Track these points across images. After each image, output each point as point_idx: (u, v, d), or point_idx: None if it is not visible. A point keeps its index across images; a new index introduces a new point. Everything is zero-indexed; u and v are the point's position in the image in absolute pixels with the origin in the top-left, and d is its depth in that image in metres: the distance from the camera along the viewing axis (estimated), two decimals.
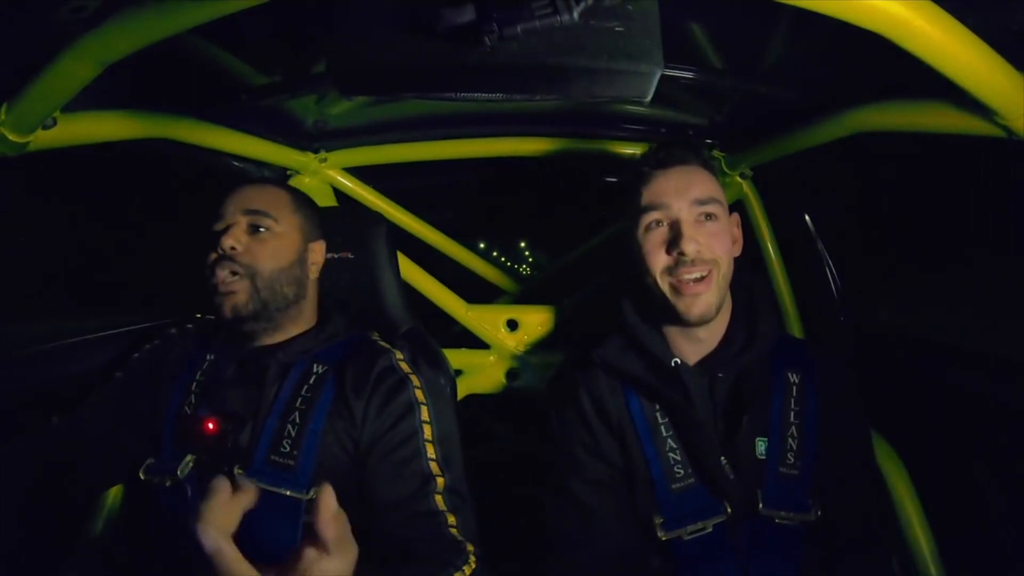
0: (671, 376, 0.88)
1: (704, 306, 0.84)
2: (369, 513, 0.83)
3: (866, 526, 0.87)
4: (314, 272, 0.99)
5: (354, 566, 0.52)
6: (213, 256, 0.88)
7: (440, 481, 0.85)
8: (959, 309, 1.06)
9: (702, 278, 0.84)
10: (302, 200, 1.00)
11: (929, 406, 1.04)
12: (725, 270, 0.86)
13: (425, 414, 0.90)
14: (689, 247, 0.83)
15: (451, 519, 0.83)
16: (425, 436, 0.88)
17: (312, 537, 0.50)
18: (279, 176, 1.36)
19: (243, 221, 0.90)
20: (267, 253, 0.90)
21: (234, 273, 0.87)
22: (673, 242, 0.84)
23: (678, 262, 0.84)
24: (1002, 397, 0.91)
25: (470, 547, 0.82)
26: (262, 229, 0.91)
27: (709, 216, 0.86)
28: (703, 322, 0.86)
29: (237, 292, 0.87)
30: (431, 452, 0.87)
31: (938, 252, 1.12)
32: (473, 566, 0.80)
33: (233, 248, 0.87)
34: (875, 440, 1.00)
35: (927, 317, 1.13)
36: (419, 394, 0.91)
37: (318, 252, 1.00)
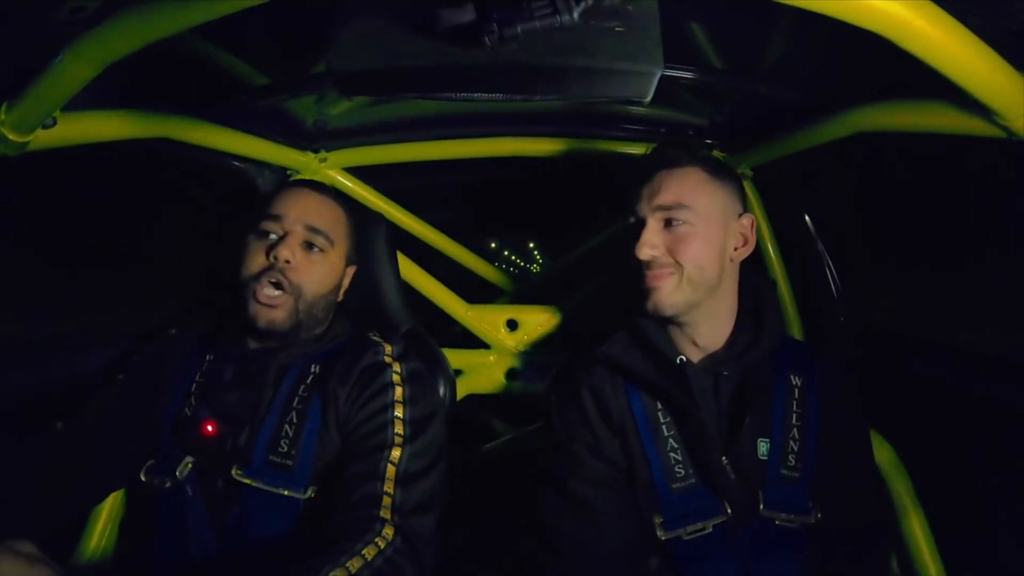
0: (676, 374, 0.88)
1: (654, 302, 0.86)
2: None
3: (866, 527, 0.87)
4: (341, 296, 1.00)
5: None
6: (261, 262, 0.86)
7: (396, 451, 0.82)
8: (959, 309, 1.06)
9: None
10: (352, 224, 0.99)
11: (929, 406, 1.04)
12: (692, 275, 0.86)
13: (399, 394, 0.88)
14: (642, 251, 0.86)
15: (389, 487, 0.79)
16: (396, 413, 0.86)
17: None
18: (280, 176, 1.36)
19: (302, 235, 0.88)
20: (316, 276, 0.89)
21: (278, 286, 0.85)
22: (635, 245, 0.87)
23: (641, 263, 0.87)
24: (1002, 397, 0.91)
25: (389, 528, 0.75)
26: (316, 248, 0.89)
27: (675, 221, 0.86)
28: (656, 315, 0.88)
29: (278, 308, 0.86)
30: (398, 428, 0.85)
31: (938, 252, 1.12)
32: (383, 544, 0.73)
33: (287, 261, 0.85)
34: (875, 440, 1.00)
35: (927, 317, 1.13)
36: (396, 377, 0.90)
37: (349, 277, 1.00)
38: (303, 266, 0.88)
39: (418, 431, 0.86)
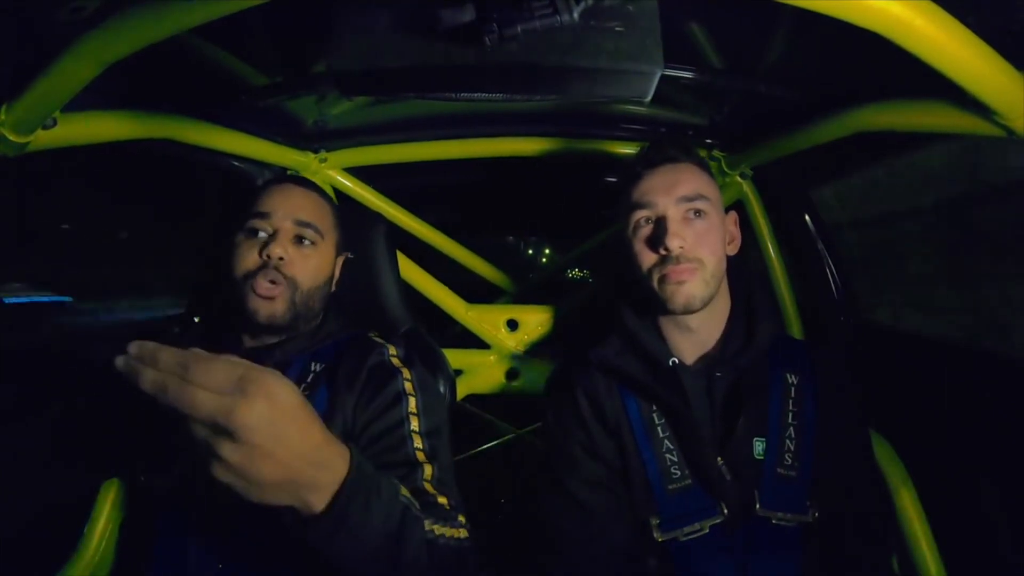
0: (668, 377, 0.88)
1: (687, 297, 0.85)
2: None
3: (866, 526, 0.87)
4: (334, 286, 1.00)
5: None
6: (254, 261, 0.87)
7: (428, 469, 0.83)
8: (960, 309, 1.06)
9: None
10: (338, 214, 1.00)
11: (929, 406, 1.04)
12: (713, 269, 0.87)
13: (413, 405, 0.88)
14: (673, 243, 0.84)
15: (441, 500, 0.80)
16: (412, 427, 0.86)
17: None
18: (280, 177, 1.36)
19: (291, 230, 0.89)
20: (310, 268, 0.90)
21: (274, 282, 0.86)
22: (659, 239, 0.85)
23: (664, 259, 0.85)
24: (1002, 397, 0.91)
25: (462, 518, 0.79)
26: (307, 241, 0.91)
27: (698, 212, 0.87)
28: (688, 311, 0.87)
29: (277, 299, 0.86)
30: (418, 442, 0.85)
31: (937, 251, 1.12)
32: (466, 532, 0.77)
33: (281, 258, 0.87)
34: (875, 440, 1.00)
35: (927, 317, 1.13)
36: (408, 386, 0.90)
37: (339, 266, 1.01)
38: (296, 260, 0.89)
39: (436, 448, 0.87)
